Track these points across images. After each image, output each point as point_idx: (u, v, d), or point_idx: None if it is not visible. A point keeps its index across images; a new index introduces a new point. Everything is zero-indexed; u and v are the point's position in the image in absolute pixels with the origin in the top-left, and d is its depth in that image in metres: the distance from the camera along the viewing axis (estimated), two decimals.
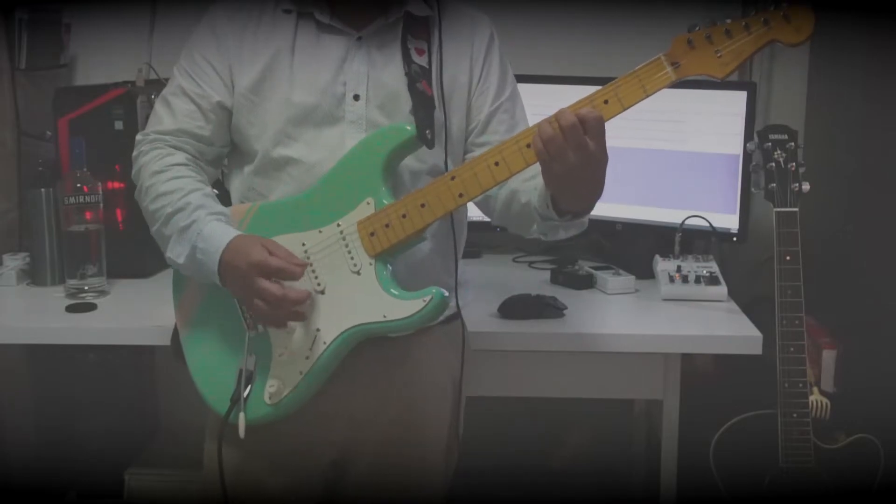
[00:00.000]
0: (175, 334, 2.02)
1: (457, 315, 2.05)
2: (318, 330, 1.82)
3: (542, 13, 3.03)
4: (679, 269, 2.58)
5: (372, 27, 1.94)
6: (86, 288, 2.52)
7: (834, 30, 2.22)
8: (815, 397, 2.31)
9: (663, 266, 2.60)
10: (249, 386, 1.86)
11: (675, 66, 1.70)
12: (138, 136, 2.01)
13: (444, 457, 2.05)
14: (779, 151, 2.32)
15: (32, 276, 2.66)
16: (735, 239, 2.73)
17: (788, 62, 3.01)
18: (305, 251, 1.85)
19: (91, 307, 2.44)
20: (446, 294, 1.78)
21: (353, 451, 1.99)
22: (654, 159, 2.78)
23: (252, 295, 1.78)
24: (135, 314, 2.40)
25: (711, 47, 1.69)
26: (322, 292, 1.84)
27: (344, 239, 1.83)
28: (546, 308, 2.37)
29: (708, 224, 2.69)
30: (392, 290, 1.80)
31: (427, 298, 1.76)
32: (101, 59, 3.07)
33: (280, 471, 1.97)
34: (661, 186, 2.79)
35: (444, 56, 1.96)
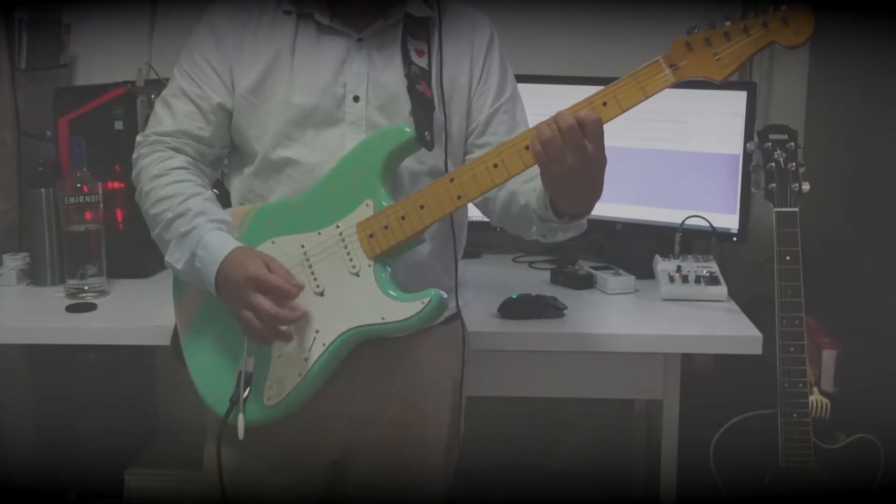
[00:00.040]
0: (175, 335, 2.02)
1: (457, 315, 2.05)
2: (316, 332, 1.82)
3: (542, 13, 3.03)
4: (679, 269, 2.58)
5: (372, 28, 1.94)
6: (86, 288, 2.52)
7: (834, 30, 2.22)
8: (815, 397, 2.31)
9: (663, 266, 2.60)
10: (248, 387, 1.86)
11: (674, 69, 1.70)
12: (138, 138, 2.01)
13: (444, 457, 2.05)
14: (779, 151, 2.32)
15: (32, 276, 2.66)
16: (735, 239, 2.72)
17: (788, 62, 3.00)
18: (304, 252, 1.85)
19: (91, 307, 2.44)
20: (445, 296, 1.78)
21: (353, 452, 1.99)
22: (654, 159, 2.78)
23: (244, 308, 1.78)
24: (135, 314, 2.40)
25: (710, 50, 1.69)
26: (321, 294, 1.84)
27: (343, 241, 1.83)
28: (546, 308, 2.37)
29: (708, 224, 2.68)
30: (390, 292, 1.80)
31: (425, 300, 1.76)
32: (101, 59, 3.07)
33: (280, 471, 1.97)
34: (661, 186, 2.79)
35: (444, 57, 1.96)
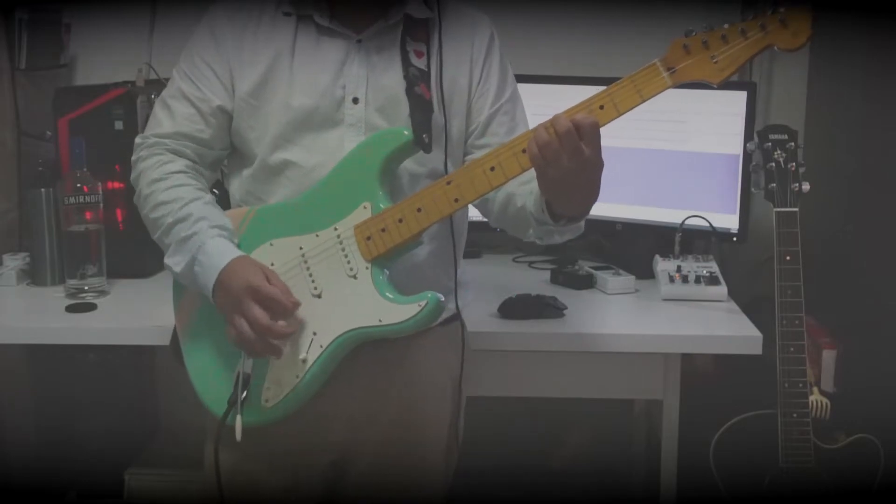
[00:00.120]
0: (174, 336, 2.02)
1: (456, 316, 2.05)
2: (314, 333, 1.82)
3: (542, 13, 3.03)
4: (679, 269, 2.58)
5: (372, 29, 1.94)
6: (86, 288, 2.52)
7: (834, 30, 2.21)
8: (815, 397, 2.31)
9: (663, 266, 2.60)
10: (246, 389, 1.86)
11: (671, 72, 1.70)
12: (137, 140, 2.01)
13: (444, 457, 2.05)
14: (779, 151, 2.32)
15: (32, 276, 2.66)
16: (735, 239, 2.72)
17: (788, 62, 3.00)
18: (302, 255, 1.85)
19: (91, 307, 2.44)
20: (442, 299, 1.78)
21: (352, 452, 1.99)
22: (654, 159, 2.78)
23: (239, 315, 1.77)
24: (135, 314, 2.40)
25: (707, 52, 1.69)
26: (318, 296, 1.84)
27: (341, 243, 1.83)
28: (546, 308, 2.37)
29: (708, 224, 2.68)
30: (388, 294, 1.80)
31: (422, 303, 1.76)
32: (101, 59, 3.07)
33: (280, 471, 1.97)
34: (661, 186, 2.79)
35: (444, 58, 1.95)
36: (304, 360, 1.82)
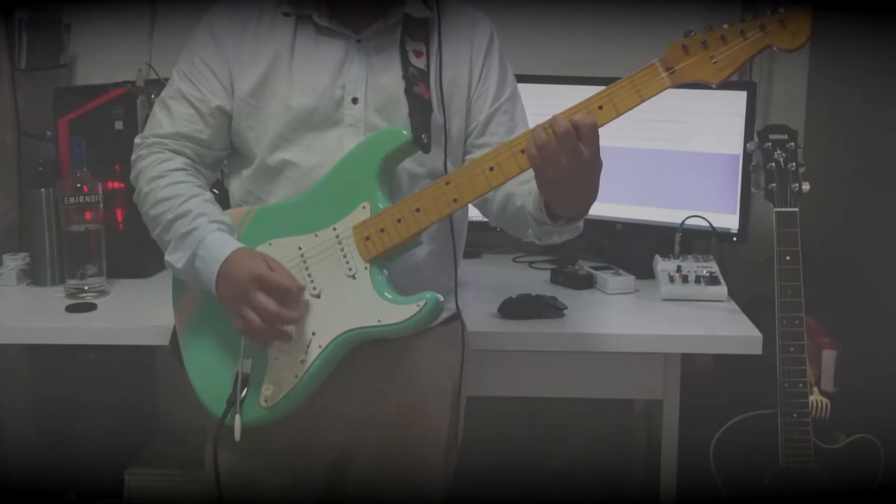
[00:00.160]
0: (174, 336, 2.02)
1: (456, 316, 2.05)
2: (313, 334, 1.82)
3: (542, 13, 3.03)
4: (679, 269, 2.58)
5: (371, 29, 1.94)
6: (86, 288, 2.52)
7: (834, 30, 2.21)
8: (815, 397, 2.31)
9: (663, 266, 2.60)
10: (245, 389, 1.86)
11: (671, 72, 1.70)
12: (137, 140, 2.01)
13: (444, 457, 2.05)
14: (779, 151, 2.32)
15: (32, 276, 2.66)
16: (735, 239, 2.72)
17: (788, 62, 3.00)
18: (301, 255, 1.85)
19: (91, 307, 2.44)
20: (440, 299, 1.78)
21: (352, 452, 1.99)
22: (654, 159, 2.78)
23: (246, 306, 1.77)
24: (135, 314, 2.40)
25: (706, 53, 1.68)
26: (318, 296, 1.84)
27: (340, 243, 1.83)
28: (546, 308, 2.37)
29: (708, 224, 2.68)
30: (386, 295, 1.80)
31: (421, 303, 1.76)
32: (101, 59, 3.07)
33: (279, 471, 1.97)
34: (661, 186, 2.79)
35: (443, 58, 1.95)
36: (303, 361, 1.82)
